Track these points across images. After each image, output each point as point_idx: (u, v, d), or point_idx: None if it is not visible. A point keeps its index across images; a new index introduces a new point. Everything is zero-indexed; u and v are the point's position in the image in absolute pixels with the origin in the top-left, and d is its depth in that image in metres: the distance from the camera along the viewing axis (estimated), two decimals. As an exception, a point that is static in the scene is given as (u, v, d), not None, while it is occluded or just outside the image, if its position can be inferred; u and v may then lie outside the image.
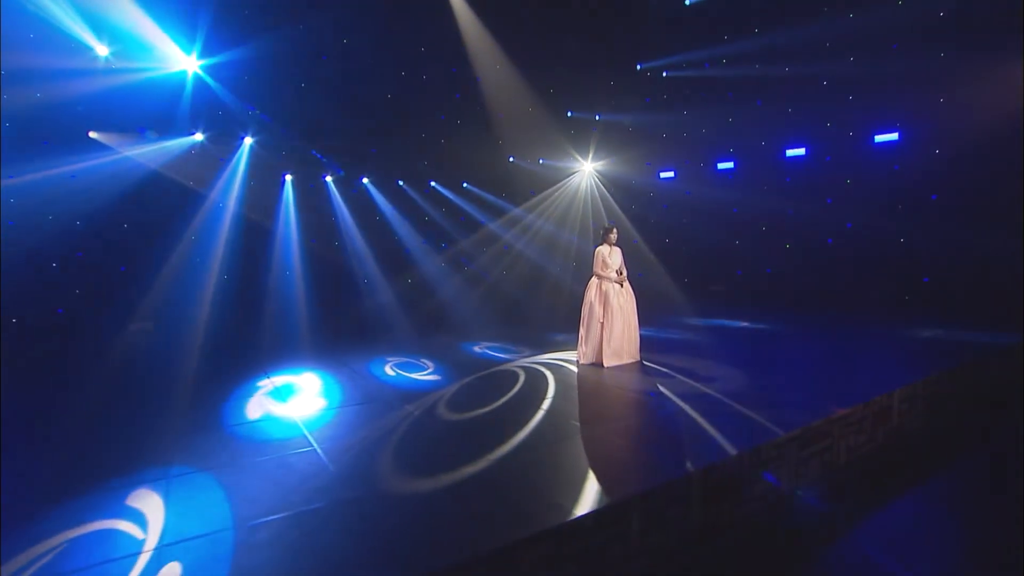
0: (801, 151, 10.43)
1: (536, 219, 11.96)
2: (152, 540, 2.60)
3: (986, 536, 3.35)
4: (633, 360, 5.91)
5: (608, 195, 12.52)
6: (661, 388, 4.90)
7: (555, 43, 10.88)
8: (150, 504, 2.93)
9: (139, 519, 2.79)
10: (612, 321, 5.78)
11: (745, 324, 8.50)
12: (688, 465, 3.22)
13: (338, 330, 8.26)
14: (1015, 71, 7.83)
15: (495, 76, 11.14)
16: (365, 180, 10.84)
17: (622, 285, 5.90)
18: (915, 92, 8.88)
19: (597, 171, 12.54)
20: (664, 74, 11.20)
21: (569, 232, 12.17)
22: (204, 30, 7.56)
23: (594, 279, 5.95)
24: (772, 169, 10.75)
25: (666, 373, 5.43)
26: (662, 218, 12.29)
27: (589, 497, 2.86)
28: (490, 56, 10.94)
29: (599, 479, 3.09)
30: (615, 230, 6.01)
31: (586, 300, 5.94)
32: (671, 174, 12.44)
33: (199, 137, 8.22)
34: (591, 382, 5.21)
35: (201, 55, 7.69)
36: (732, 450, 3.43)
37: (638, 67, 11.21)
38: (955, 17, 8.32)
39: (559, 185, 12.37)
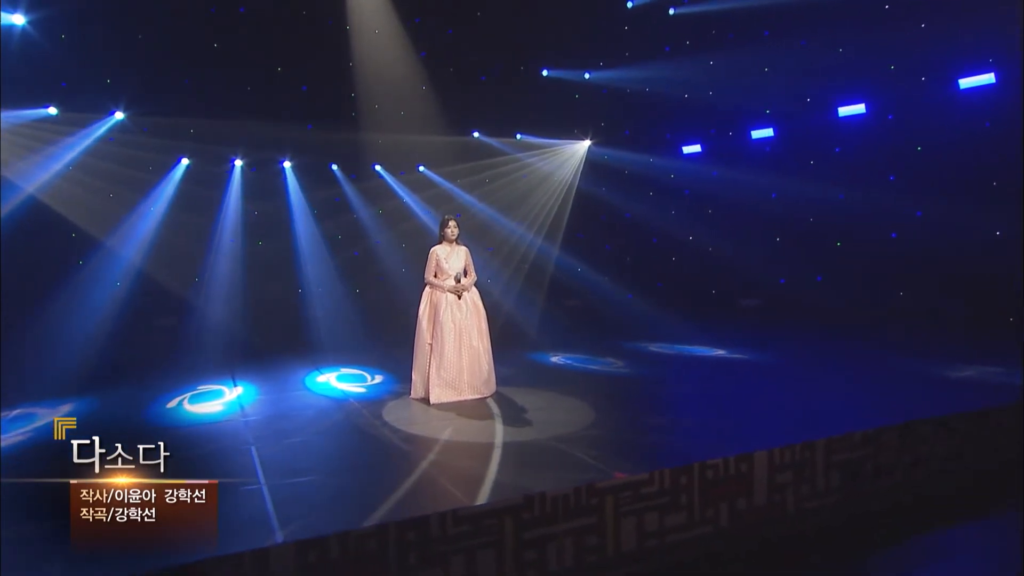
0: (860, 108, 9.32)
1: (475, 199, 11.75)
2: None
3: None
4: (479, 395, 5.55)
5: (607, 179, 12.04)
6: (447, 433, 4.62)
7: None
8: None
9: None
10: (442, 344, 5.48)
11: (743, 357, 7.57)
12: (278, 537, 3.02)
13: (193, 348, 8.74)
14: None
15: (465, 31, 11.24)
16: (287, 164, 11.32)
17: (460, 296, 5.63)
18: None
19: (599, 149, 12.10)
20: (671, 11, 10.58)
21: (519, 223, 11.82)
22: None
23: (427, 288, 5.74)
24: (822, 136, 9.72)
25: (491, 414, 5.08)
26: (683, 209, 11.55)
27: None
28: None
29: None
30: (454, 223, 5.76)
31: (418, 317, 5.75)
32: (696, 148, 11.67)
33: (52, 111, 8.64)
34: (379, 423, 4.99)
35: (29, 7, 7.86)
36: (372, 520, 3.16)
37: (629, 5, 10.71)
38: None
39: (522, 161, 12.08)
